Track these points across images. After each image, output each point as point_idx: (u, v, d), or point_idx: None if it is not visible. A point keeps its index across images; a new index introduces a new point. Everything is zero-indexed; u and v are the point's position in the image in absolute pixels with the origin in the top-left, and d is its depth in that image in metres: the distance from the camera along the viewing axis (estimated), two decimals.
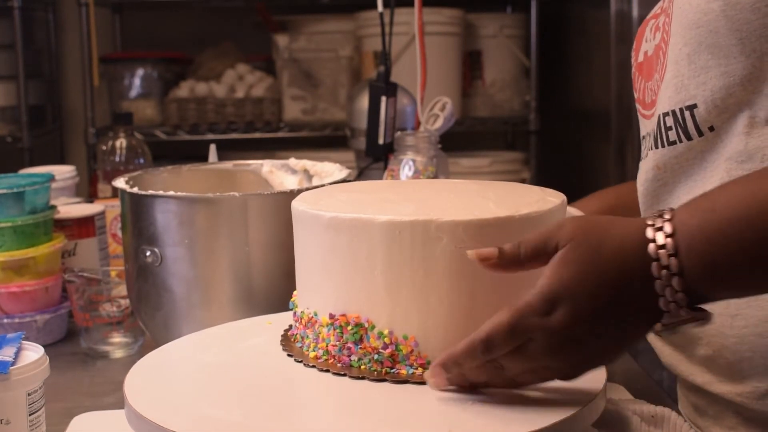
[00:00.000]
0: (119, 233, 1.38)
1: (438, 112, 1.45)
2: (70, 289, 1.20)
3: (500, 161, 2.87)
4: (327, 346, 0.78)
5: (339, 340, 0.77)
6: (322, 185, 1.03)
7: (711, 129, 0.84)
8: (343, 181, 1.11)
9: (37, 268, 1.23)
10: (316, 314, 0.79)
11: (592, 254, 0.68)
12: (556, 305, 0.67)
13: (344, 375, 0.76)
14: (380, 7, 1.43)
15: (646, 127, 0.96)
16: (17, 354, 0.85)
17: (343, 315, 0.77)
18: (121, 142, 1.59)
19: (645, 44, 0.96)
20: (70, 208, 1.38)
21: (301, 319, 0.82)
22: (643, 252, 0.67)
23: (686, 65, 0.84)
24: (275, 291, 1.01)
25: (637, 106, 0.99)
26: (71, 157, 3.01)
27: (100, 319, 1.20)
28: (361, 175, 1.56)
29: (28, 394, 0.83)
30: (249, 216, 1.00)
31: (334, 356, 0.78)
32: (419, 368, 0.75)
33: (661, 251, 0.66)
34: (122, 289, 1.18)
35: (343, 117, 2.74)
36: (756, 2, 0.79)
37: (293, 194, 1.01)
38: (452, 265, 0.74)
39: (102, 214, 1.40)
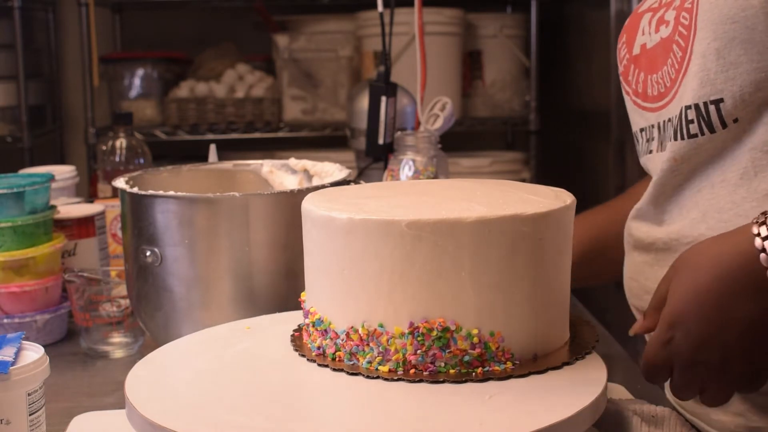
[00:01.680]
0: (119, 233, 1.38)
1: (438, 112, 1.44)
2: (70, 289, 1.20)
3: (500, 161, 2.87)
4: (403, 356, 0.75)
5: (420, 348, 0.75)
6: (324, 186, 1.03)
7: (735, 121, 0.85)
8: (344, 181, 1.10)
9: (37, 268, 1.23)
10: (381, 326, 0.76)
11: (693, 273, 0.76)
12: (673, 330, 0.77)
13: (420, 381, 0.75)
14: (380, 7, 1.43)
15: (648, 119, 0.96)
16: (17, 354, 0.85)
17: (425, 321, 0.75)
18: (121, 142, 1.59)
19: (642, 37, 0.97)
20: (70, 208, 1.38)
21: (350, 334, 0.78)
22: (749, 246, 0.73)
23: (714, 60, 0.85)
24: (275, 291, 1.01)
25: (633, 99, 0.99)
26: (71, 157, 3.01)
27: (100, 319, 1.20)
28: (361, 175, 1.56)
29: (28, 394, 0.83)
30: (249, 216, 1.00)
31: (414, 365, 0.75)
32: (508, 363, 0.76)
33: (767, 242, 0.72)
34: (122, 289, 1.18)
35: (343, 117, 2.74)
36: None
37: (293, 194, 1.01)
38: (535, 256, 0.77)
39: (102, 214, 1.40)
